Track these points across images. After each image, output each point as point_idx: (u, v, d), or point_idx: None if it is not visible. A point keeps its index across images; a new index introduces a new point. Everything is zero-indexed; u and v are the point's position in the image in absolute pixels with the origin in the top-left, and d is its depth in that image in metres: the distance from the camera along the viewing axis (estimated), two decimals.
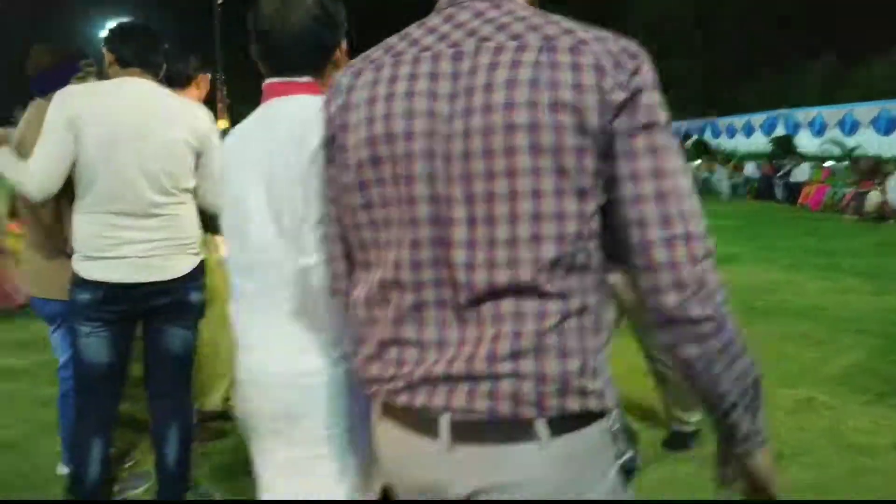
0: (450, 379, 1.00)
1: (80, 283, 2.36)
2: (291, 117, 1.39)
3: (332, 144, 1.12)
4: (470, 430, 1.00)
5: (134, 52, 2.41)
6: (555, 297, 0.98)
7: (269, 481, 1.50)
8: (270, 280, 1.42)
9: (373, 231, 1.07)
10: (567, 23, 1.02)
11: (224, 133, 2.05)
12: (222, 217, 1.54)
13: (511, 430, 0.98)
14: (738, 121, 28.02)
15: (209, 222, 2.62)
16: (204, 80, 3.14)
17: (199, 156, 2.44)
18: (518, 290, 0.97)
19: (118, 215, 2.31)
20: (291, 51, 1.45)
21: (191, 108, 2.49)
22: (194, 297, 2.51)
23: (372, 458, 1.21)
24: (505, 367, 0.97)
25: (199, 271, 2.52)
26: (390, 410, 1.09)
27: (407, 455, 1.08)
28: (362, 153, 1.05)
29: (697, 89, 38.87)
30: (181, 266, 2.43)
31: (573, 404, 0.98)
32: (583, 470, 1.01)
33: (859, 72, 32.11)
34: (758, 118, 26.42)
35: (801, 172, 17.36)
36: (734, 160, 22.05)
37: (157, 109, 2.37)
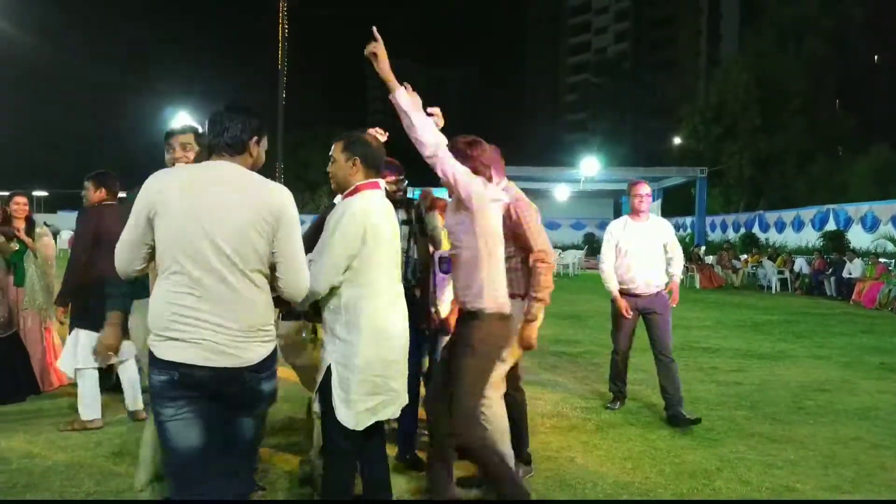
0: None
1: (155, 363, 2.34)
2: (375, 198, 2.93)
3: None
4: None
5: (208, 140, 2.49)
6: None
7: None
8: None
9: None
10: None
11: None
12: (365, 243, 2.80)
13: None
14: (788, 215, 27.77)
15: (282, 306, 2.62)
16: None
17: (274, 234, 2.40)
18: None
19: (190, 295, 2.31)
20: (380, 168, 3.04)
21: (267, 187, 2.44)
22: (265, 386, 2.44)
23: None
24: None
25: (272, 360, 2.47)
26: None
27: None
28: None
29: (747, 180, 38.88)
30: (252, 354, 2.38)
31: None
32: None
33: None
34: (808, 212, 26.18)
35: (854, 268, 16.98)
36: (783, 254, 21.72)
37: (231, 190, 2.37)
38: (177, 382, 2.31)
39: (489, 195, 3.32)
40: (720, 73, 44.63)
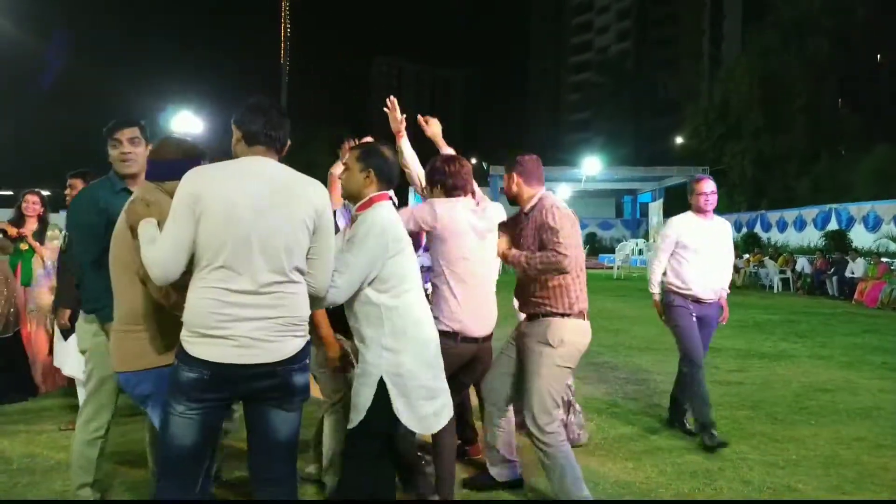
0: None
1: (186, 360, 2.32)
2: (391, 208, 2.95)
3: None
4: None
5: (260, 129, 2.46)
6: None
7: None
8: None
9: None
10: None
11: None
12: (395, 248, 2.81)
13: None
14: (790, 214, 27.74)
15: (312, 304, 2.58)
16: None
17: (315, 230, 2.45)
18: None
19: (232, 292, 2.30)
20: (394, 181, 2.99)
21: (310, 184, 2.50)
22: (298, 379, 2.45)
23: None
24: None
25: (304, 353, 2.48)
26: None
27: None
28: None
29: (749, 180, 38.83)
30: (287, 348, 2.39)
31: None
32: None
33: None
34: (810, 212, 26.14)
35: (857, 268, 16.97)
36: (785, 254, 21.70)
37: (278, 187, 2.39)
38: (207, 381, 2.30)
39: (462, 221, 3.35)
40: (723, 72, 44.59)
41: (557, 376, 3.47)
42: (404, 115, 3.96)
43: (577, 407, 4.68)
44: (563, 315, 3.47)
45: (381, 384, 2.79)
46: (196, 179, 2.36)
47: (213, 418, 2.39)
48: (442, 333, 3.25)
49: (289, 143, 2.57)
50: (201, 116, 22.53)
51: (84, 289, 3.25)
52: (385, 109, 3.92)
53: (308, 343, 2.51)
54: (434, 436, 3.32)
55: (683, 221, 4.98)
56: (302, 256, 2.44)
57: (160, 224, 2.46)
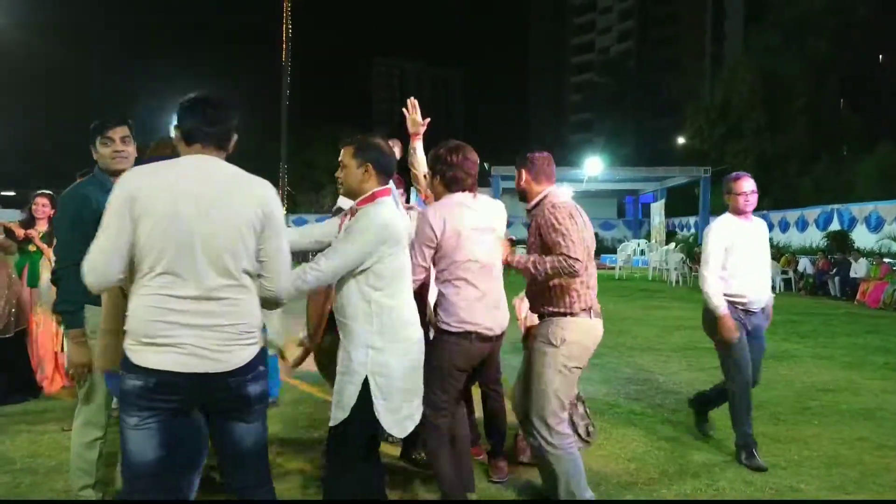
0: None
1: (130, 368, 2.20)
2: (393, 206, 2.87)
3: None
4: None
5: (195, 127, 2.32)
6: None
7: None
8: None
9: None
10: None
11: None
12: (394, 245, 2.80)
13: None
14: (792, 214, 27.70)
15: (267, 307, 2.48)
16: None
17: (262, 230, 2.31)
18: None
19: (176, 298, 2.18)
20: (392, 173, 2.98)
21: (256, 183, 2.35)
22: (252, 389, 2.32)
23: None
24: None
25: (258, 361, 2.35)
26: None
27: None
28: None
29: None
30: (237, 357, 2.27)
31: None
32: None
33: None
34: (812, 212, 26.09)
35: (859, 268, 16.94)
36: (787, 254, 21.67)
37: (219, 187, 2.26)
38: (152, 389, 2.18)
39: (463, 225, 3.29)
40: (725, 72, 44.52)
41: (563, 376, 3.37)
42: (427, 120, 3.95)
43: (579, 414, 4.23)
44: (564, 314, 3.40)
45: (366, 384, 2.78)
46: (132, 181, 2.23)
47: (173, 427, 2.24)
48: (456, 335, 3.25)
49: (234, 137, 2.39)
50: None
51: (60, 289, 3.16)
52: (404, 110, 3.92)
53: (262, 352, 2.39)
54: (450, 429, 3.36)
55: (725, 226, 4.53)
56: (250, 258, 2.30)
57: None
